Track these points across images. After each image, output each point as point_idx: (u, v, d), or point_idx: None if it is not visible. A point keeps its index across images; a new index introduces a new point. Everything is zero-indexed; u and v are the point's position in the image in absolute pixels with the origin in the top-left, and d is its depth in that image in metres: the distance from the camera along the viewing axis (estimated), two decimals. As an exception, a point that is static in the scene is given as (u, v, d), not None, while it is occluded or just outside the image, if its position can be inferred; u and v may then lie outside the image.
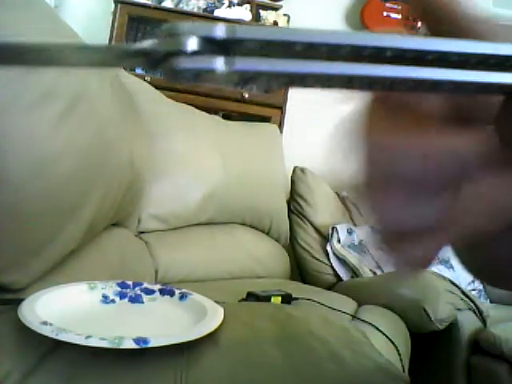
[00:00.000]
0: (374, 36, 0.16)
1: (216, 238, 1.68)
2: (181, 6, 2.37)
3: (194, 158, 1.65)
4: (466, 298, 1.49)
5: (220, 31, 0.15)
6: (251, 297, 1.12)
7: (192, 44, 0.15)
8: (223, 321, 0.69)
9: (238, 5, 2.41)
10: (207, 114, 1.89)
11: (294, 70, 0.16)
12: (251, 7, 2.42)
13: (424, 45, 0.16)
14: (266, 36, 0.15)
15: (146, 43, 0.15)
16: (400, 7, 2.43)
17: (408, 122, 0.19)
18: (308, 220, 2.05)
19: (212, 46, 0.15)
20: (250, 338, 0.70)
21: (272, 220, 1.90)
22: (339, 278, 1.89)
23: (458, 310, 1.46)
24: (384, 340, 1.17)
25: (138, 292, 0.81)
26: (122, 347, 0.56)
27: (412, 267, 0.21)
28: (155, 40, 0.15)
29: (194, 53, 0.15)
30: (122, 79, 1.37)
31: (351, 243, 1.92)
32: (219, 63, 0.15)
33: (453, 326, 1.46)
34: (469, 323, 1.50)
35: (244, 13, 2.38)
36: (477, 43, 0.17)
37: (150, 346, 0.57)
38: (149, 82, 1.82)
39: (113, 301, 0.78)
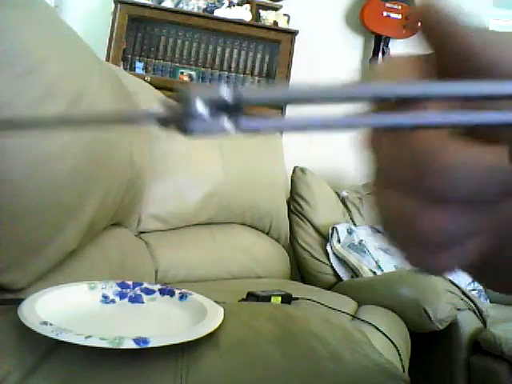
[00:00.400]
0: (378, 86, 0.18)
1: (216, 238, 1.68)
2: (181, 5, 2.37)
3: (194, 158, 1.65)
4: (465, 298, 1.49)
5: (226, 95, 0.16)
6: (251, 297, 1.12)
7: (201, 108, 0.16)
8: (223, 321, 0.69)
9: (238, 5, 2.41)
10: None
11: (297, 126, 0.17)
12: (251, 7, 2.42)
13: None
14: (272, 98, 0.17)
15: (162, 109, 0.17)
16: (400, 7, 2.43)
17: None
18: (308, 220, 2.05)
19: (219, 108, 0.16)
20: (250, 338, 0.70)
21: (272, 220, 1.90)
22: (339, 278, 1.89)
23: (458, 309, 1.46)
24: (384, 340, 1.17)
25: (138, 292, 0.81)
26: (122, 347, 0.56)
27: (431, 273, 0.21)
28: (169, 105, 0.17)
29: (204, 115, 0.16)
30: (122, 79, 1.37)
31: (351, 243, 1.92)
32: (227, 125, 0.16)
33: (453, 326, 1.46)
34: (469, 323, 1.50)
35: (244, 13, 2.38)
36: None
37: (149, 346, 0.57)
38: (149, 82, 1.82)
39: (113, 301, 0.78)
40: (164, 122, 0.17)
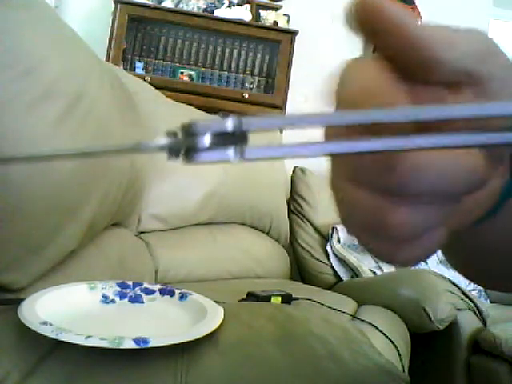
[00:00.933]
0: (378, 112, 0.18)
1: (216, 238, 1.68)
2: (181, 5, 2.37)
3: (194, 157, 1.65)
4: (465, 298, 1.49)
5: (229, 126, 0.17)
6: (251, 297, 1.12)
7: (206, 140, 0.17)
8: (223, 321, 0.69)
9: (238, 5, 2.41)
10: (207, 114, 1.89)
11: (298, 153, 0.19)
12: (251, 7, 2.42)
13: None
14: (271, 126, 0.18)
15: (169, 140, 0.18)
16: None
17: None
18: (308, 220, 2.05)
19: (223, 138, 0.17)
20: (250, 338, 0.70)
21: (272, 220, 1.90)
22: (339, 278, 1.89)
23: (458, 309, 1.46)
24: (384, 340, 1.17)
25: (138, 292, 0.81)
26: (122, 347, 0.56)
27: (400, 265, 0.22)
28: (176, 137, 0.18)
29: (209, 146, 0.17)
30: (122, 79, 1.37)
31: (351, 243, 1.92)
32: (231, 154, 0.18)
33: (453, 326, 1.46)
34: (469, 323, 1.50)
35: (244, 13, 2.38)
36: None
37: (150, 346, 0.57)
38: (149, 82, 1.82)
39: (113, 301, 0.78)
40: (171, 152, 0.18)
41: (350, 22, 0.20)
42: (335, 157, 0.21)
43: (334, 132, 0.20)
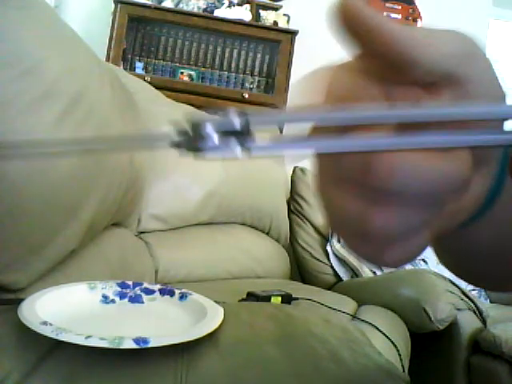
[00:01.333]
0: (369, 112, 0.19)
1: (216, 238, 1.68)
2: (181, 5, 2.37)
3: (194, 157, 1.65)
4: (465, 298, 1.49)
5: (236, 123, 0.18)
6: (251, 297, 1.12)
7: (212, 134, 0.18)
8: (223, 321, 0.69)
9: (238, 5, 2.41)
10: (207, 114, 1.89)
11: (303, 149, 0.19)
12: (251, 7, 2.42)
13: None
14: (277, 123, 0.19)
15: (178, 138, 0.18)
16: (400, 7, 2.43)
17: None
18: (308, 220, 2.05)
19: (229, 133, 0.18)
20: (250, 338, 0.70)
21: (272, 220, 1.90)
22: (339, 278, 1.89)
23: (458, 309, 1.46)
24: (384, 340, 1.17)
25: (138, 292, 0.81)
26: (122, 347, 0.56)
27: (385, 265, 0.22)
28: (182, 130, 0.18)
29: (215, 140, 0.18)
30: (121, 79, 1.37)
31: (351, 243, 1.92)
32: (238, 151, 0.18)
33: (453, 326, 1.46)
34: (469, 323, 1.50)
35: (244, 13, 2.38)
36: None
37: (149, 346, 0.57)
38: (149, 82, 1.82)
39: (113, 301, 0.78)
40: (177, 145, 0.18)
41: (334, 24, 0.20)
42: (320, 160, 0.21)
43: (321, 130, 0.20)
